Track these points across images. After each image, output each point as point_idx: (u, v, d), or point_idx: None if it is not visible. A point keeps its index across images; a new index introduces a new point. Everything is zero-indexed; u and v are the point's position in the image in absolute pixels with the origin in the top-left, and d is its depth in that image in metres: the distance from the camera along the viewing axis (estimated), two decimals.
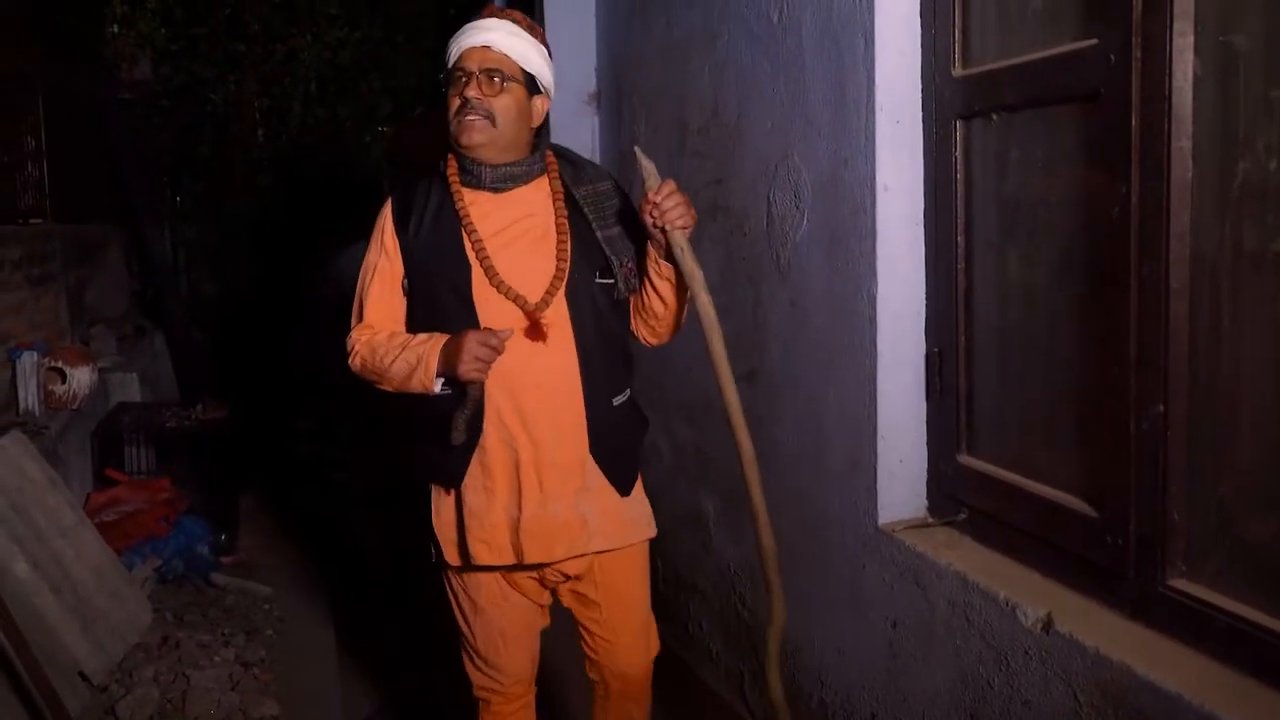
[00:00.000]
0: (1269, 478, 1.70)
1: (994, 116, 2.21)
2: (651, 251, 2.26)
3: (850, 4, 2.45)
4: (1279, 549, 1.69)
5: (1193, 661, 1.74)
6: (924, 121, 2.40)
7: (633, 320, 2.46)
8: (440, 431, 2.28)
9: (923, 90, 2.39)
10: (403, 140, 3.23)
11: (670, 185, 2.17)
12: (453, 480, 2.41)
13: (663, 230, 2.16)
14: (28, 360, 4.80)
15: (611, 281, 2.37)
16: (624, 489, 2.46)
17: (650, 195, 2.16)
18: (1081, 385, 2.03)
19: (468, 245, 2.34)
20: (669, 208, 2.15)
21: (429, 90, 8.12)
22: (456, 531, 2.44)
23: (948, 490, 2.41)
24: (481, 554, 2.40)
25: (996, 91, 2.18)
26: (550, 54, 2.42)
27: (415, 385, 2.30)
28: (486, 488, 2.38)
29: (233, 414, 5.96)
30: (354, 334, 2.43)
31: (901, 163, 2.41)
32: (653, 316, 2.41)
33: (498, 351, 2.21)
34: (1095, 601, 1.97)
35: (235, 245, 8.35)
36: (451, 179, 2.40)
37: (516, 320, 2.30)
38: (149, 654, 3.98)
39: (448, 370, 2.24)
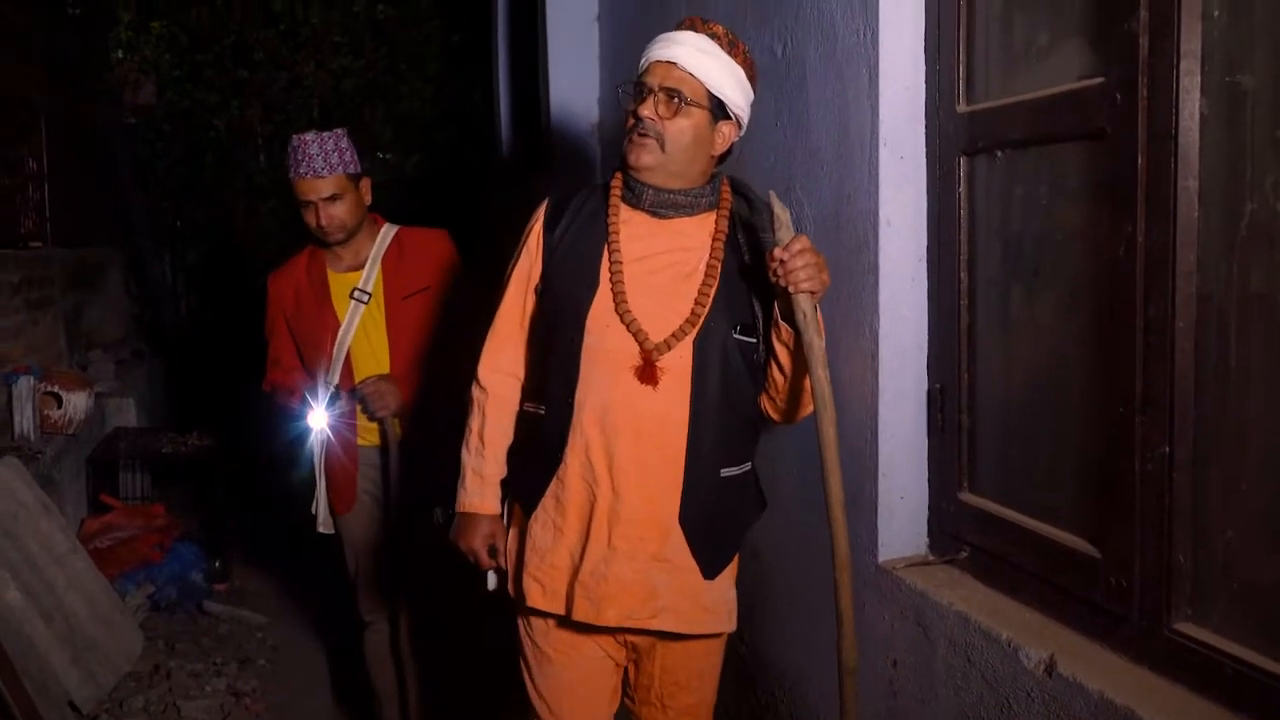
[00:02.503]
0: (1276, 521, 1.68)
1: (998, 153, 2.20)
2: (775, 311, 2.09)
3: (854, 38, 2.45)
4: None
5: (1199, 707, 1.71)
6: (928, 157, 2.39)
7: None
8: (529, 442, 2.27)
9: (926, 125, 2.39)
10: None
11: (802, 242, 1.96)
12: (527, 499, 2.26)
13: (787, 291, 1.97)
14: (24, 385, 4.78)
15: (754, 341, 2.17)
16: (710, 571, 2.21)
17: (777, 250, 1.97)
18: (1086, 424, 2.02)
19: (604, 264, 2.18)
20: (796, 267, 1.94)
21: (431, 117, 8.14)
22: (516, 563, 2.29)
23: (949, 528, 2.39)
24: (534, 594, 2.22)
25: (1001, 128, 2.17)
26: (753, 76, 2.23)
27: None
28: (556, 524, 2.20)
29: (228, 439, 5.93)
30: (483, 370, 2.33)
31: (905, 198, 2.40)
32: (772, 386, 2.21)
33: (481, 564, 2.30)
34: (1099, 644, 1.94)
35: (235, 270, 8.35)
36: (614, 191, 2.24)
37: (630, 356, 2.13)
38: (140, 683, 3.96)
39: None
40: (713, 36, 2.16)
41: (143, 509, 5.37)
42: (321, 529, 3.38)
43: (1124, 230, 1.83)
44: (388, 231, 3.32)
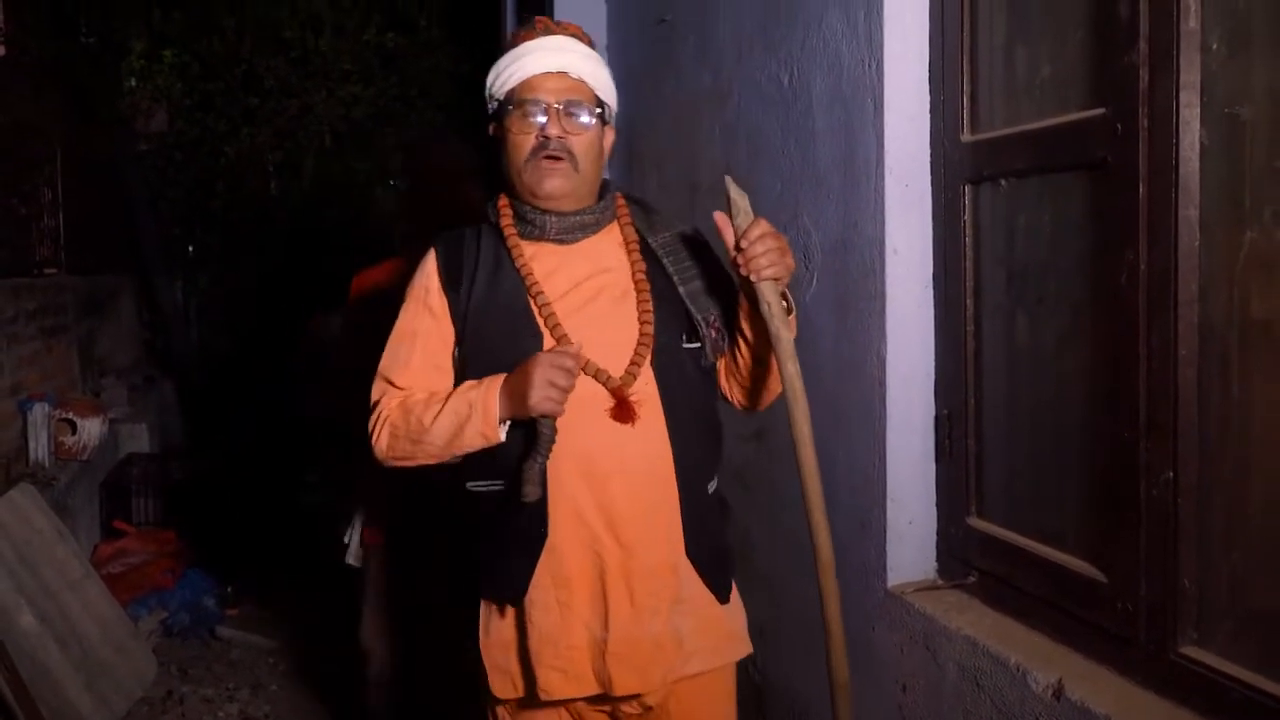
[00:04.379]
0: None
1: (1002, 182, 2.23)
2: (743, 302, 1.91)
3: (860, 68, 2.49)
4: None
5: None
6: (933, 185, 2.42)
7: (723, 380, 2.09)
8: (494, 528, 1.97)
9: (931, 154, 2.42)
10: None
11: (762, 226, 1.80)
12: (512, 594, 1.97)
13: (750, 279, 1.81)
14: (39, 411, 4.84)
15: (698, 346, 1.99)
16: (724, 595, 2.05)
17: (733, 234, 1.82)
18: (1091, 450, 2.04)
19: (535, 311, 1.95)
20: (757, 253, 1.78)
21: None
22: (517, 658, 2.00)
23: (957, 553, 2.41)
24: (555, 685, 1.94)
25: (1005, 157, 2.20)
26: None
27: (469, 439, 1.89)
28: (561, 601, 1.94)
29: (239, 464, 5.97)
30: (380, 404, 2.01)
31: (911, 226, 2.43)
32: (745, 377, 2.05)
33: (572, 374, 1.84)
34: (1106, 668, 1.95)
35: (247, 296, 8.40)
36: (506, 230, 2.01)
37: (597, 399, 1.91)
38: (153, 709, 3.98)
39: (513, 411, 1.86)
40: (577, 38, 2.01)
41: (155, 534, 5.41)
42: (351, 561, 3.21)
43: (1126, 259, 1.85)
44: None
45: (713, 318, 1.99)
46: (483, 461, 1.97)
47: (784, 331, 1.82)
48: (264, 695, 4.30)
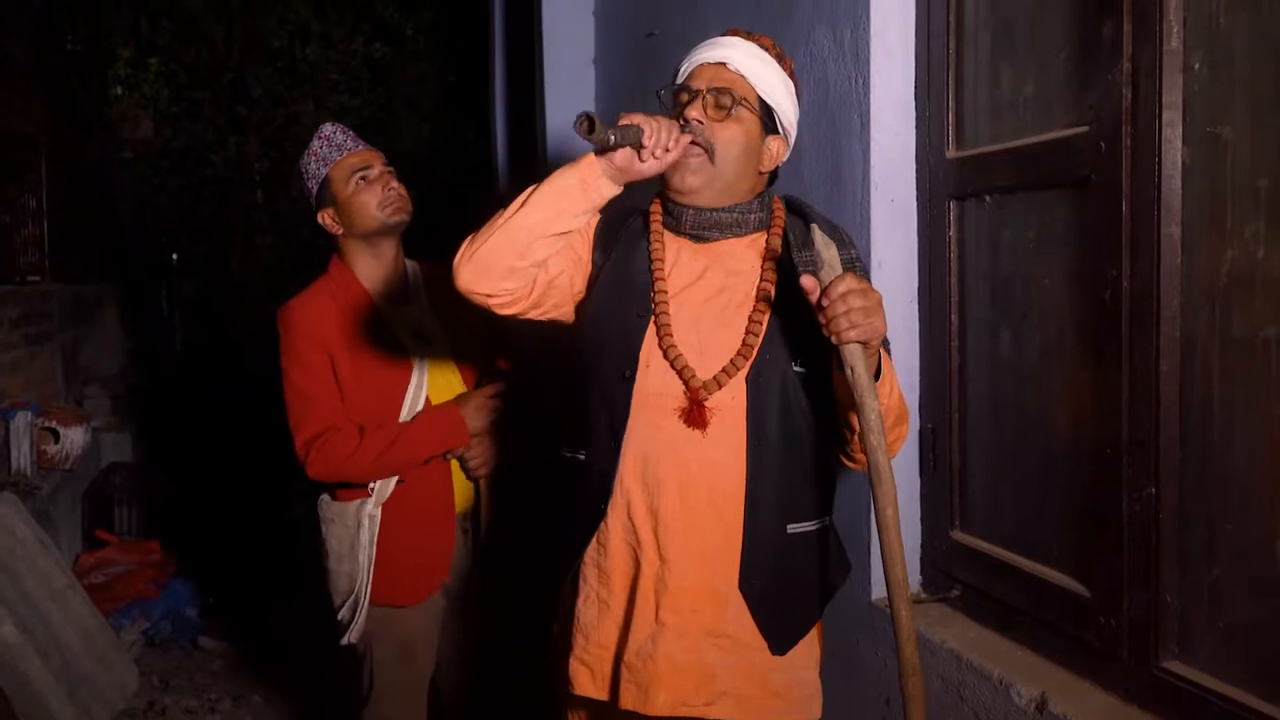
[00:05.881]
0: (1261, 560, 1.71)
1: (987, 198, 2.25)
2: (835, 361, 1.74)
3: (846, 85, 2.50)
4: (1272, 632, 1.70)
5: None
6: (918, 201, 2.43)
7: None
8: (564, 500, 1.98)
9: (917, 170, 2.43)
10: None
11: (846, 283, 1.65)
12: (565, 568, 1.98)
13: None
14: (21, 420, 4.81)
15: (819, 375, 1.88)
16: (779, 645, 1.91)
17: (816, 293, 1.69)
18: (1074, 465, 2.05)
19: (650, 296, 1.92)
20: (837, 314, 1.63)
21: (427, 155, 8.22)
22: (565, 646, 1.99)
23: (941, 566, 2.42)
24: (581, 679, 1.93)
25: (990, 174, 2.22)
26: (799, 93, 2.03)
27: (562, 179, 1.84)
28: (601, 598, 1.92)
29: (222, 474, 5.95)
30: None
31: (896, 241, 2.44)
32: (841, 434, 1.91)
33: (678, 134, 1.82)
34: (1089, 682, 1.97)
35: (232, 305, 8.39)
36: (653, 217, 2.00)
37: (674, 398, 1.86)
38: None
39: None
40: (762, 46, 1.97)
41: (138, 544, 5.39)
42: (355, 639, 2.62)
43: (1109, 275, 1.87)
44: (410, 264, 2.81)
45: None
46: (571, 430, 1.99)
47: (869, 399, 1.67)
48: (246, 706, 4.28)
